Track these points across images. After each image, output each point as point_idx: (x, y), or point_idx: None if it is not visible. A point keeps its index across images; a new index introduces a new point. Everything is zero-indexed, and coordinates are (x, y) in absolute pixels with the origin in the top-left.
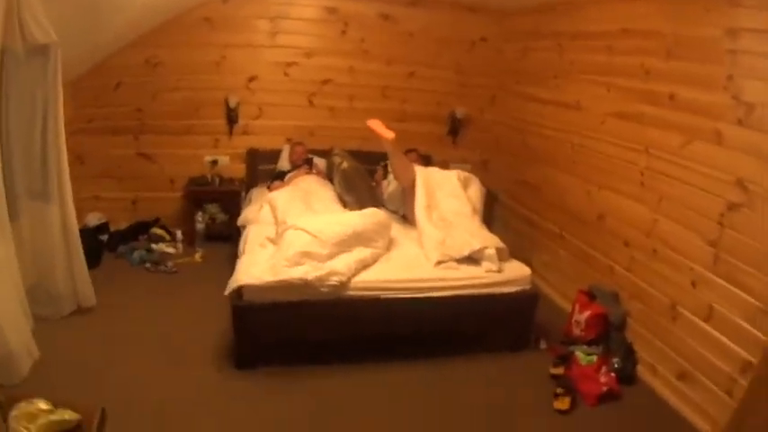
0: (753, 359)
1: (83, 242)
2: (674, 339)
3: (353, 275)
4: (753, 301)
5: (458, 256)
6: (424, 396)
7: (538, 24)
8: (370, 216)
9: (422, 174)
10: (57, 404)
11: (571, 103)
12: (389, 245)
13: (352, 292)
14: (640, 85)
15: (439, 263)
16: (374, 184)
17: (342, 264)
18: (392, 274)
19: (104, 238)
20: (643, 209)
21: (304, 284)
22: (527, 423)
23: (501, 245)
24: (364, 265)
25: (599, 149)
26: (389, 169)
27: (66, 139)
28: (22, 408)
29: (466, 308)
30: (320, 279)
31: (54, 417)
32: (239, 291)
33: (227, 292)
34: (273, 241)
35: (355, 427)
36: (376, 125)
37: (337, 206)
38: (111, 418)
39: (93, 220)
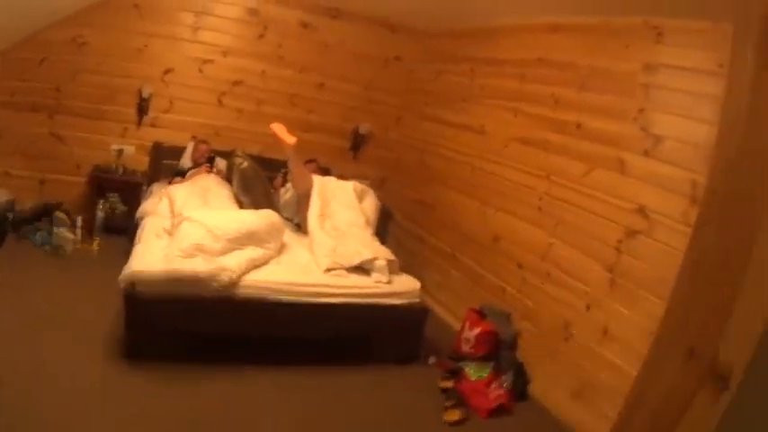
0: None
1: None
2: (567, 359)
3: (244, 274)
4: (647, 323)
5: (348, 265)
6: (308, 401)
7: (454, 48)
8: (264, 217)
9: (318, 183)
10: None
11: (476, 126)
12: (281, 249)
13: (241, 291)
14: (549, 113)
15: (328, 270)
16: (272, 190)
17: (233, 261)
18: (282, 276)
19: (10, 215)
20: (539, 232)
21: (195, 279)
22: None
23: (392, 257)
24: (255, 265)
25: (499, 173)
26: (288, 177)
27: None
28: None
29: (354, 316)
30: (211, 274)
31: None
32: (132, 281)
33: (120, 278)
34: (169, 232)
35: (230, 429)
36: (279, 129)
37: (233, 206)
38: None
39: (2, 196)
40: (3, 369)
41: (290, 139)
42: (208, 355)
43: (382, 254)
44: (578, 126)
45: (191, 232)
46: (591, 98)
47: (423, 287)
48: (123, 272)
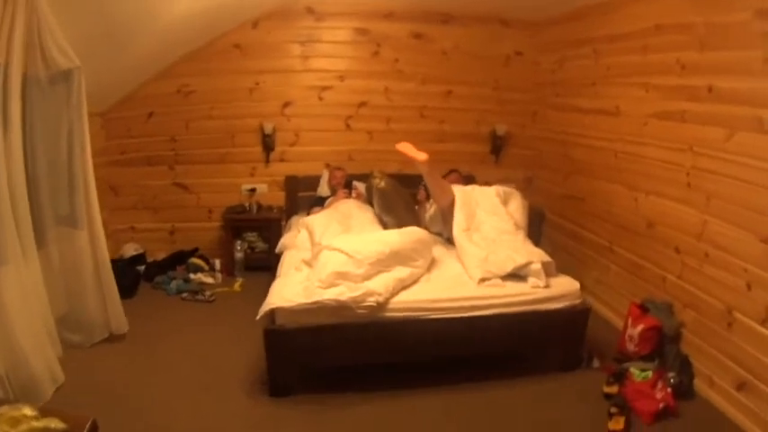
0: None
1: (118, 273)
2: (731, 347)
3: (392, 296)
4: None
5: (502, 273)
6: (471, 421)
7: (572, 32)
8: (408, 234)
9: (460, 193)
10: (46, 413)
11: (611, 109)
12: (431, 265)
13: (390, 314)
14: (677, 80)
15: (482, 280)
16: (417, 205)
17: (379, 284)
18: (433, 293)
19: (141, 268)
20: (692, 211)
21: (339, 306)
22: None
23: (547, 259)
24: (403, 285)
25: (643, 154)
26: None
27: (100, 171)
28: (6, 412)
29: (513, 326)
30: (356, 300)
31: (38, 423)
32: (272, 315)
33: (258, 317)
34: (309, 263)
35: None
36: (406, 148)
37: (377, 228)
38: None
39: (130, 250)
40: (142, 416)
41: (421, 156)
42: (360, 384)
43: (537, 257)
44: (710, 89)
45: (330, 260)
46: (714, 57)
47: (582, 286)
48: (262, 308)
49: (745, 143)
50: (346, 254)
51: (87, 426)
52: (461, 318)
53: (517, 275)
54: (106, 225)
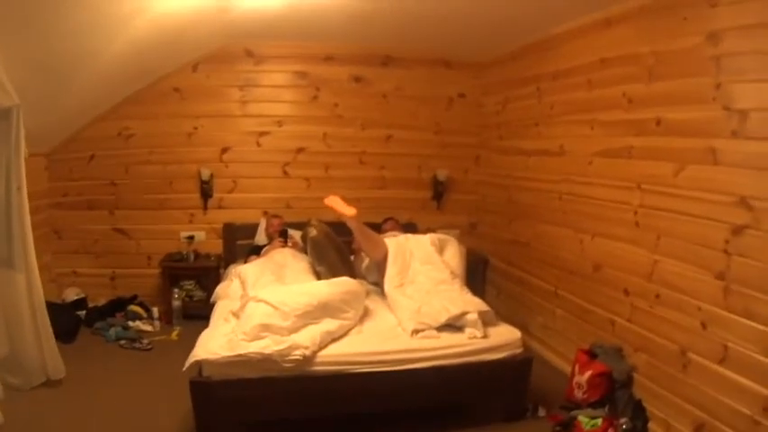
0: None
1: (59, 317)
2: (687, 389)
3: (320, 349)
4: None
5: (435, 324)
6: None
7: (515, 71)
8: (339, 285)
9: (394, 246)
10: None
11: (554, 149)
12: (364, 316)
13: (318, 367)
14: (624, 115)
15: (415, 332)
16: (352, 255)
17: (306, 337)
18: (364, 346)
19: (82, 313)
20: (640, 251)
21: (263, 359)
22: None
23: (485, 308)
24: (333, 338)
25: (588, 194)
26: None
27: (43, 213)
28: None
29: (450, 379)
30: (281, 353)
31: None
32: (200, 366)
33: (184, 368)
34: (236, 314)
35: None
36: (334, 203)
37: (311, 278)
38: None
39: (71, 294)
40: None
41: (350, 211)
42: None
43: (473, 306)
44: (658, 122)
45: (256, 312)
46: (663, 87)
47: (528, 332)
48: (188, 359)
49: (696, 177)
50: (272, 305)
51: None
52: (394, 371)
53: (453, 326)
54: (50, 268)
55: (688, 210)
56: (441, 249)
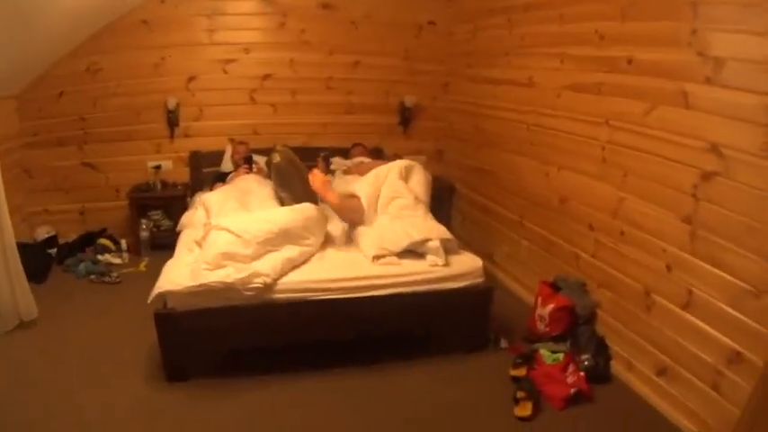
0: (740, 348)
1: (31, 259)
2: (651, 330)
3: (280, 276)
4: (735, 281)
5: (397, 250)
6: (368, 405)
7: (487, 1)
8: (300, 211)
9: (366, 198)
10: None
11: (523, 80)
12: (325, 243)
13: (279, 295)
14: (595, 52)
15: (376, 258)
16: None
17: (267, 264)
18: (324, 273)
19: (53, 251)
20: (607, 188)
21: (225, 288)
22: None
23: (447, 236)
24: (294, 265)
25: (556, 127)
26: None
27: (14, 154)
28: None
29: (411, 306)
30: (243, 281)
31: None
32: (164, 298)
33: (149, 300)
34: (199, 243)
35: None
36: (319, 183)
37: (274, 204)
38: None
39: (42, 233)
40: (46, 409)
41: (333, 199)
42: (254, 366)
43: (435, 233)
44: (629, 61)
45: (217, 241)
46: (637, 27)
47: (493, 261)
48: (152, 292)
49: (666, 118)
50: (234, 233)
51: None
52: (355, 298)
53: (416, 253)
54: (22, 208)
55: (657, 150)
56: (406, 176)
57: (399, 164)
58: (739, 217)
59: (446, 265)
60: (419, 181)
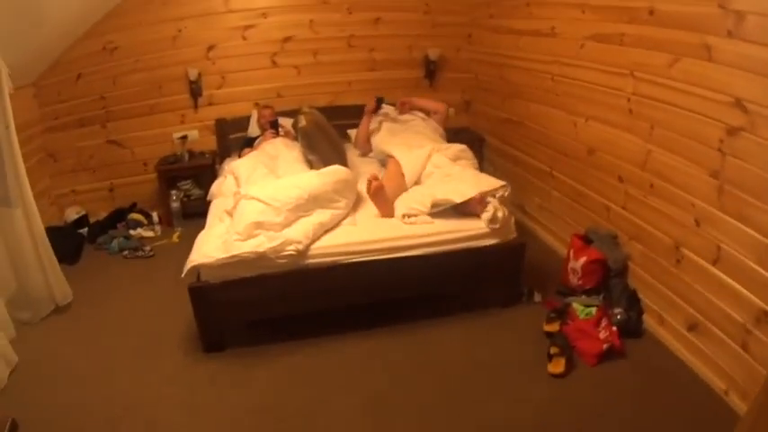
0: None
1: (62, 241)
2: (681, 285)
3: (313, 242)
4: (762, 239)
5: (425, 210)
6: (403, 363)
7: None
8: (329, 175)
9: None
10: None
11: (546, 30)
12: (356, 204)
13: (312, 260)
14: (616, 2)
15: (405, 216)
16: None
17: (299, 231)
18: (356, 236)
19: (84, 231)
20: (635, 139)
21: (258, 258)
22: (518, 389)
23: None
24: (325, 230)
25: (581, 77)
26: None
27: (37, 140)
28: None
29: (444, 265)
30: (275, 250)
31: None
32: (198, 270)
33: (183, 275)
34: (230, 213)
35: (336, 402)
36: (373, 190)
37: (303, 167)
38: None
39: (72, 214)
40: (90, 389)
41: (387, 213)
42: (288, 332)
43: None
44: (651, 12)
45: (247, 210)
46: None
47: (525, 212)
48: (185, 266)
49: (691, 71)
50: (264, 202)
51: (6, 427)
52: (387, 259)
53: (450, 211)
54: (49, 192)
55: (683, 103)
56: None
57: (454, 147)
58: (764, 173)
59: (495, 224)
60: (467, 165)
